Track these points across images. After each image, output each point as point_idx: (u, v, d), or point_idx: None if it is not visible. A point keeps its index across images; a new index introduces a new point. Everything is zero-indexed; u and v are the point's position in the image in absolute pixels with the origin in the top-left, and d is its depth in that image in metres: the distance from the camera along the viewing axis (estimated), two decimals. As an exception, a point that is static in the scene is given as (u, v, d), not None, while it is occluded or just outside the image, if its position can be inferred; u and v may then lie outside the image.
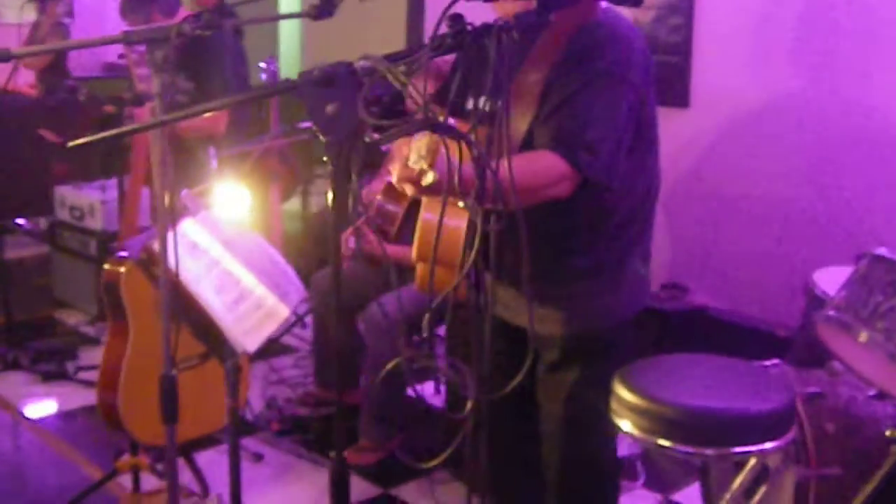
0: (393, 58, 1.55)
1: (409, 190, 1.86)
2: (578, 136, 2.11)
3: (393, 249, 3.95)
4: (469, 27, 1.53)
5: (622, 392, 2.29)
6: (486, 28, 1.52)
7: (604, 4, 2.25)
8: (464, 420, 1.79)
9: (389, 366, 1.92)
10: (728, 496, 2.43)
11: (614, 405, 2.32)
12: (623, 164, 2.17)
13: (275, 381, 4.63)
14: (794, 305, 3.69)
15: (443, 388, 4.10)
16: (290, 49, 8.08)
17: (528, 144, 2.17)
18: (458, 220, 2.16)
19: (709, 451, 2.25)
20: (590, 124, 2.11)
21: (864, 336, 2.60)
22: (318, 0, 1.98)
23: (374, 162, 4.14)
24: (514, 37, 1.53)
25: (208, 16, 2.14)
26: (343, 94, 1.53)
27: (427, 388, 4.20)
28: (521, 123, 2.17)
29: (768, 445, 2.24)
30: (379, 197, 2.84)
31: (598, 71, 2.13)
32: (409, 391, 3.86)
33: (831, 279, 3.36)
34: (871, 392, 2.89)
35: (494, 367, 1.90)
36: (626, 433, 2.29)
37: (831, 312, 2.72)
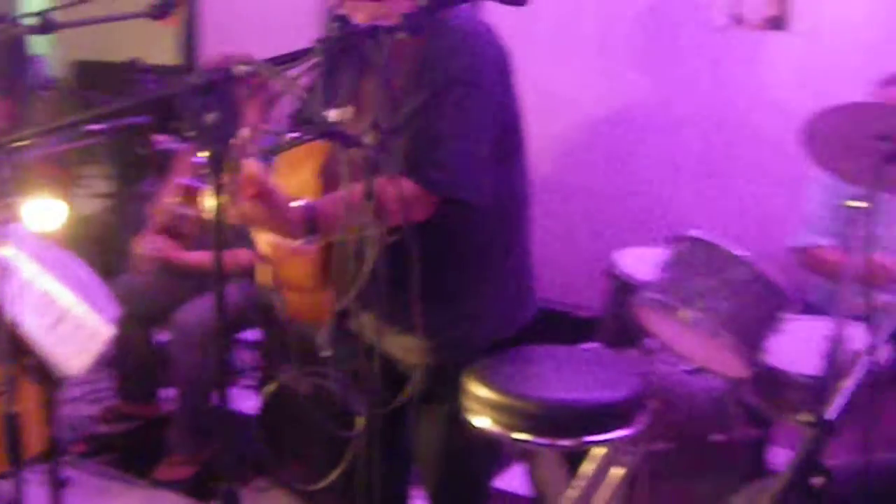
0: (276, 62, 1.44)
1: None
2: (427, 154, 2.01)
3: (195, 256, 3.80)
4: (355, 29, 1.45)
5: (479, 390, 2.28)
6: (374, 30, 1.45)
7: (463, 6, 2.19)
8: (351, 438, 1.73)
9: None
10: (578, 483, 2.49)
11: (470, 403, 2.31)
12: (488, 175, 2.10)
13: (71, 399, 4.32)
14: (592, 287, 3.80)
15: (257, 393, 3.97)
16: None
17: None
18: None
19: (566, 443, 2.28)
20: (439, 140, 2.02)
21: (687, 315, 2.73)
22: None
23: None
24: (402, 38, 1.47)
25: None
26: (223, 102, 1.41)
27: (236, 394, 4.05)
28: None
29: (623, 433, 2.29)
30: (174, 201, 2.71)
31: (446, 80, 2.03)
32: (216, 399, 3.70)
33: (633, 260, 3.51)
34: (687, 368, 3.04)
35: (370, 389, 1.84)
36: (485, 429, 2.29)
37: (654, 294, 2.83)
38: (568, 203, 4.24)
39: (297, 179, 2.07)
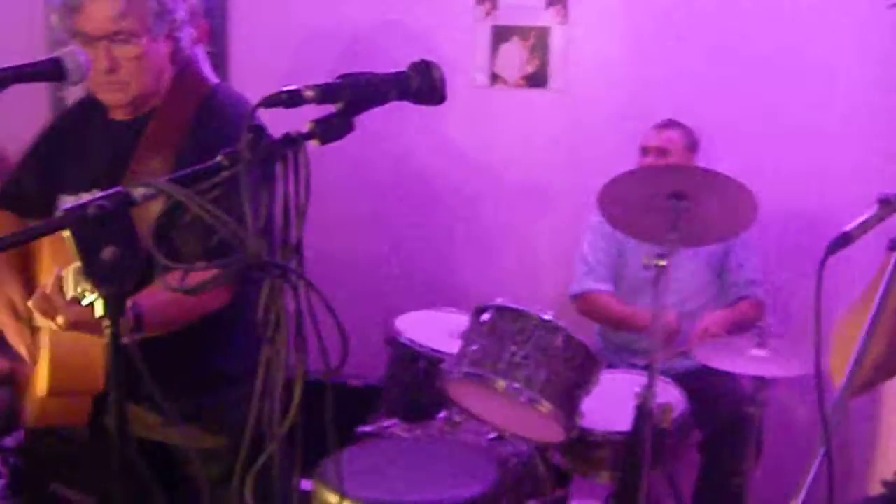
0: (180, 181, 1.23)
1: (60, 321, 1.74)
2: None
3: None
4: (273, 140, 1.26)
5: (327, 496, 2.10)
6: (291, 139, 1.27)
7: (213, 79, 2.25)
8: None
9: None
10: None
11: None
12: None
13: None
14: (369, 353, 3.68)
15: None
16: None
17: (160, 237, 1.93)
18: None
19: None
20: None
21: (504, 387, 2.69)
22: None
23: None
24: (315, 145, 1.30)
25: None
26: (122, 235, 1.18)
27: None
28: (146, 214, 1.94)
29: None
30: None
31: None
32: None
33: (413, 325, 3.43)
34: (492, 435, 2.99)
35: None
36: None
37: (468, 368, 2.77)
38: (346, 270, 4.09)
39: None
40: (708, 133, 3.54)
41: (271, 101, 1.25)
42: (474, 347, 2.80)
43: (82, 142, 2.24)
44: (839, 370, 1.42)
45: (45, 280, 1.81)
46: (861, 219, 1.43)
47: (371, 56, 3.88)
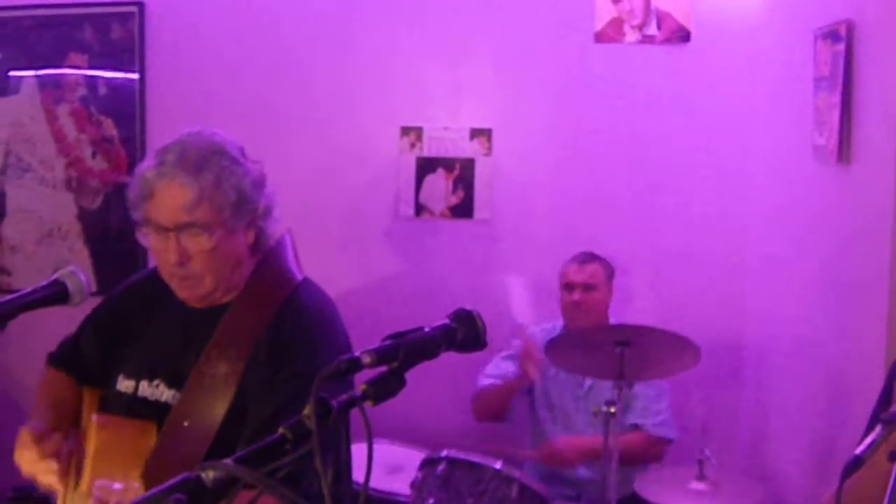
0: (249, 461, 1.22)
1: None
2: None
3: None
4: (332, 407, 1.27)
5: None
6: (348, 404, 1.28)
7: (299, 277, 2.10)
8: None
9: None
10: None
11: None
12: None
13: None
14: None
15: None
16: None
17: (222, 441, 1.89)
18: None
19: None
20: None
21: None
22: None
23: None
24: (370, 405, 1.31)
25: None
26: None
27: None
28: (209, 417, 1.92)
29: None
30: None
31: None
32: None
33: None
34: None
35: None
36: None
37: (426, 524, 2.76)
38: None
39: (115, 466, 1.89)
40: (626, 260, 3.68)
41: (333, 373, 1.27)
42: (431, 501, 2.80)
43: (151, 321, 2.10)
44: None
45: None
46: (868, 440, 1.52)
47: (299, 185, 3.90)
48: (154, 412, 1.98)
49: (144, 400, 2.02)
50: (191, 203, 1.90)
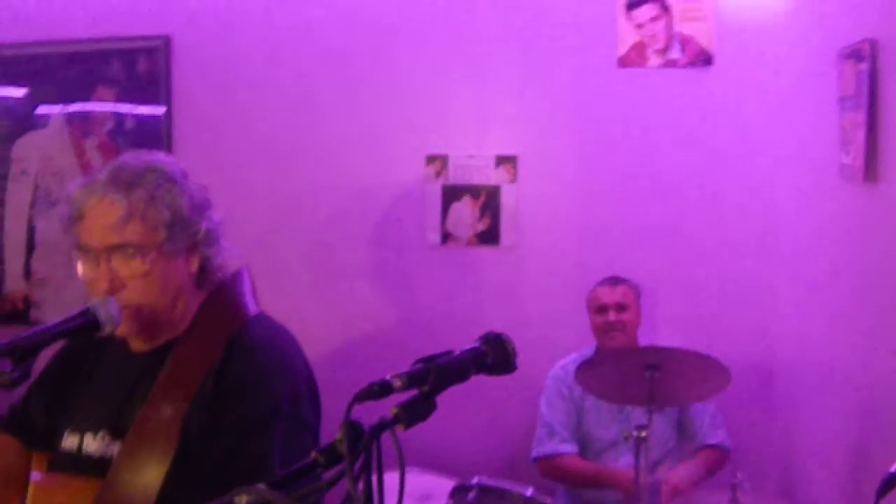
0: (282, 486, 1.22)
1: None
2: None
3: None
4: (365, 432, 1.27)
5: None
6: (380, 427, 1.28)
7: (253, 311, 1.94)
8: None
9: None
10: None
11: None
12: None
13: None
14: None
15: None
16: None
17: (168, 496, 1.73)
18: None
19: None
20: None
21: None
22: None
23: None
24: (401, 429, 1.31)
25: None
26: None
27: None
28: (151, 471, 1.74)
29: None
30: None
31: (265, 412, 1.79)
32: None
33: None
34: None
35: None
36: None
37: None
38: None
39: None
40: (654, 285, 3.67)
41: (364, 396, 1.27)
42: (461, 531, 2.79)
43: (95, 373, 1.95)
44: None
45: None
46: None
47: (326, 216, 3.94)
48: (100, 468, 1.80)
49: (89, 457, 1.86)
50: (120, 220, 1.77)
